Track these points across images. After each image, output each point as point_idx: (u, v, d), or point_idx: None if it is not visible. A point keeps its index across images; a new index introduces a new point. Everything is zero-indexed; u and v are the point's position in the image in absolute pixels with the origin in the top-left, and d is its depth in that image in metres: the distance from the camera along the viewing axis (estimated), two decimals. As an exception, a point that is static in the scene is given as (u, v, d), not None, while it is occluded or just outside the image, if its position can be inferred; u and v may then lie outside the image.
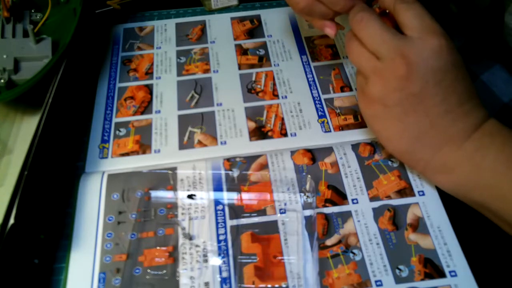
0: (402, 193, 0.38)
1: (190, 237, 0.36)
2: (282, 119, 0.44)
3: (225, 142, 0.42)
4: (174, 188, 0.38)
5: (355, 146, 0.41)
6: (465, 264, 0.35)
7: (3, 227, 0.31)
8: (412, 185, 0.39)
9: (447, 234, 0.36)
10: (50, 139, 0.37)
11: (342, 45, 0.50)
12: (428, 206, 0.38)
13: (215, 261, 0.35)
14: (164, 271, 0.34)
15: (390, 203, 0.38)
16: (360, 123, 0.43)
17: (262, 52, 0.50)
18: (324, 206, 0.38)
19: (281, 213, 0.37)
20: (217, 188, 0.39)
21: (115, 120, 0.44)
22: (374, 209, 0.37)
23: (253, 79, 0.47)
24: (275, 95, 0.46)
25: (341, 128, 0.43)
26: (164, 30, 0.53)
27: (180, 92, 0.46)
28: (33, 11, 0.46)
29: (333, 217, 0.37)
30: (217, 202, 0.38)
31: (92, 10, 0.53)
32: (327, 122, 0.44)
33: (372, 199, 0.38)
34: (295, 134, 0.43)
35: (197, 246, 0.36)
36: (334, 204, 0.38)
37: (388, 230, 0.36)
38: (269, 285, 0.34)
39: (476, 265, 0.34)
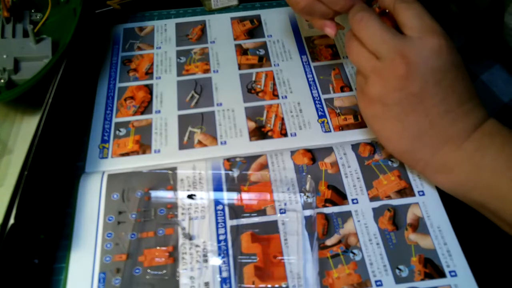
0: (402, 193, 0.38)
1: (190, 237, 0.36)
2: (282, 119, 0.44)
3: (225, 142, 0.42)
4: (174, 188, 0.38)
5: (355, 146, 0.41)
6: (465, 264, 0.35)
7: (3, 227, 0.31)
8: (412, 185, 0.39)
9: (447, 234, 0.36)
10: (50, 139, 0.37)
11: (342, 45, 0.50)
12: (428, 206, 0.38)
13: (215, 261, 0.35)
14: (164, 271, 0.34)
15: (390, 203, 0.38)
16: (360, 123, 0.43)
17: (262, 52, 0.50)
18: (324, 206, 0.38)
19: (281, 213, 0.37)
20: (217, 188, 0.39)
21: (115, 120, 0.44)
22: (374, 209, 0.37)
23: (253, 79, 0.47)
24: (275, 95, 0.46)
25: (341, 128, 0.43)
26: (164, 30, 0.53)
27: (180, 92, 0.46)
28: (33, 11, 0.46)
29: (333, 217, 0.37)
30: (217, 202, 0.38)
31: (92, 10, 0.53)
32: (327, 122, 0.44)
33: (372, 199, 0.38)
34: (295, 134, 0.43)
35: (197, 246, 0.36)
36: (334, 204, 0.38)
37: (388, 230, 0.36)
38: (269, 285, 0.34)
39: (476, 265, 0.34)
